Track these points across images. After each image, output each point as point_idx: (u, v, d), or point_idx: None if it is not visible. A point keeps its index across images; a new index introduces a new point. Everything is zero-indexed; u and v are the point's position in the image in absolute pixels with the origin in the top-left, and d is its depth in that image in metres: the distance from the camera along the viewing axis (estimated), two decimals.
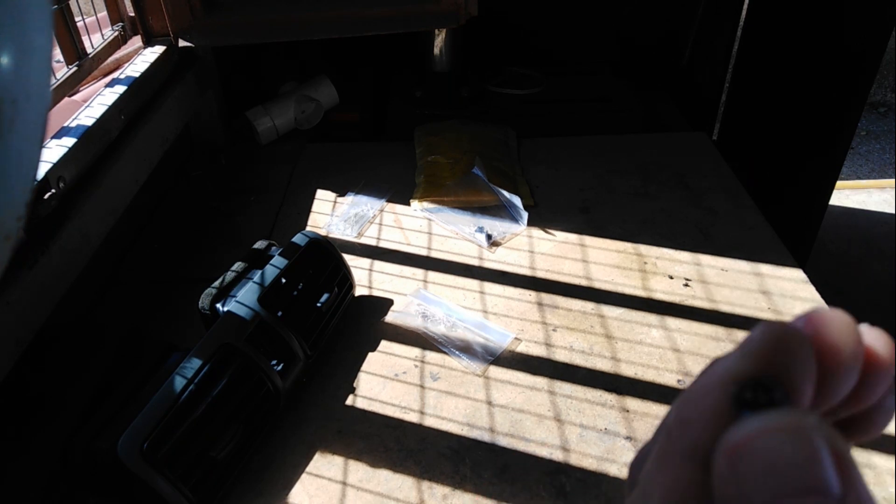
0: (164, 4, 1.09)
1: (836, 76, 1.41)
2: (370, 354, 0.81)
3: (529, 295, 0.90)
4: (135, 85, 0.98)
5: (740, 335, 0.82)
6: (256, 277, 0.76)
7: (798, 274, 0.92)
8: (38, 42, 0.23)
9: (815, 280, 0.91)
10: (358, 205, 1.08)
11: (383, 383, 0.78)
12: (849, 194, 2.62)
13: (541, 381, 0.77)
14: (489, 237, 0.99)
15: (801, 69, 1.46)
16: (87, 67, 0.95)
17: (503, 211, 1.05)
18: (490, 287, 0.91)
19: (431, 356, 0.81)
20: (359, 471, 0.68)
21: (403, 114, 1.42)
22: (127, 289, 0.95)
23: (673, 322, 0.85)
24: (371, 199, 1.09)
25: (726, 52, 1.59)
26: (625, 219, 1.04)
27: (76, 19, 0.92)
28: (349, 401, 0.76)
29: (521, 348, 0.82)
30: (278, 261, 0.78)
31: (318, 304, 0.79)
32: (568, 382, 0.77)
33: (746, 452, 0.17)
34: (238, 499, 0.65)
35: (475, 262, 0.96)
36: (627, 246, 0.98)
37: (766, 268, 0.93)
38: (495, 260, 0.96)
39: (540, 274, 0.93)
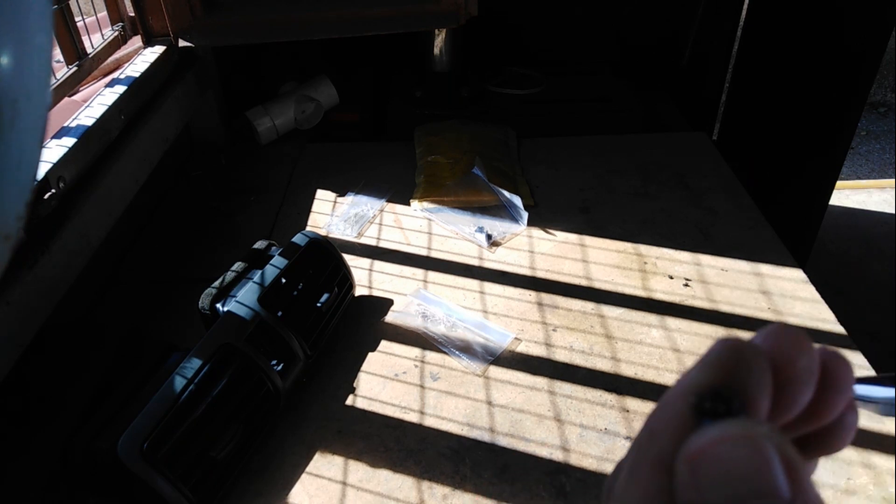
0: (164, 4, 1.09)
1: (836, 76, 1.41)
2: (370, 354, 0.81)
3: (529, 295, 0.90)
4: (135, 85, 0.98)
5: (740, 335, 0.82)
6: (256, 277, 0.76)
7: (798, 274, 0.92)
8: (39, 42, 0.23)
9: (815, 280, 0.91)
10: (358, 205, 1.08)
11: (383, 383, 0.78)
12: (849, 194, 2.62)
13: (541, 381, 0.77)
14: (489, 237, 0.99)
15: (800, 69, 1.46)
16: (87, 67, 0.95)
17: (503, 211, 1.05)
18: (490, 287, 0.91)
19: (431, 356, 0.81)
20: (359, 471, 0.68)
21: (403, 114, 1.42)
22: (127, 289, 0.95)
23: (673, 322, 0.85)
24: (371, 199, 1.09)
25: (726, 52, 1.59)
26: (625, 219, 1.04)
27: (76, 19, 0.93)
28: (349, 401, 0.76)
29: (521, 348, 0.82)
30: (278, 261, 0.78)
31: (318, 304, 0.79)
32: (568, 382, 0.77)
33: (705, 459, 0.18)
34: (238, 499, 0.66)
35: (475, 262, 0.96)
36: (627, 246, 0.98)
37: (766, 268, 0.93)
38: (495, 260, 0.96)
39: (540, 274, 0.93)
